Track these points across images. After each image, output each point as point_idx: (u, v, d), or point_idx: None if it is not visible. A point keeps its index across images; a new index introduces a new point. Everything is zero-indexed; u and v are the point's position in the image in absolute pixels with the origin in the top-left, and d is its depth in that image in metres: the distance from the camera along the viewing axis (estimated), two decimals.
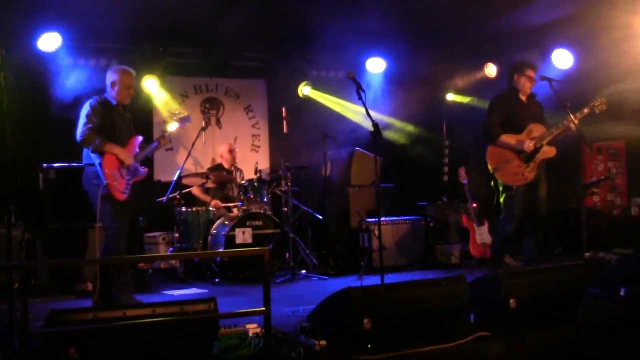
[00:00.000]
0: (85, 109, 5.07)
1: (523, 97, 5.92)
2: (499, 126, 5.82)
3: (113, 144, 5.04)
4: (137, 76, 7.06)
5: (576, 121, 5.46)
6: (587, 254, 6.04)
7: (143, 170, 5.34)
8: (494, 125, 5.83)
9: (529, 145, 5.62)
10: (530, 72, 5.86)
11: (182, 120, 5.91)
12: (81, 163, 5.16)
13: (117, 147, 5.05)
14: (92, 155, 4.99)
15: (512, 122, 5.80)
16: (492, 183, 6.05)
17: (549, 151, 5.71)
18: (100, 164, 4.96)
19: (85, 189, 5.09)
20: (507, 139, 5.75)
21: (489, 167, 5.89)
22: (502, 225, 5.90)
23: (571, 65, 7.62)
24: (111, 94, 5.20)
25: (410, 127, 8.77)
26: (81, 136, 4.97)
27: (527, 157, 5.67)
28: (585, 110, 5.57)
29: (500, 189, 5.89)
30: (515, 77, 5.90)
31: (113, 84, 5.19)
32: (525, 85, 5.87)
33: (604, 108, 5.55)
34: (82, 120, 5.03)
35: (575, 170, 5.52)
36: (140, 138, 5.34)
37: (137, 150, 5.26)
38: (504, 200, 5.84)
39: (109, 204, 4.95)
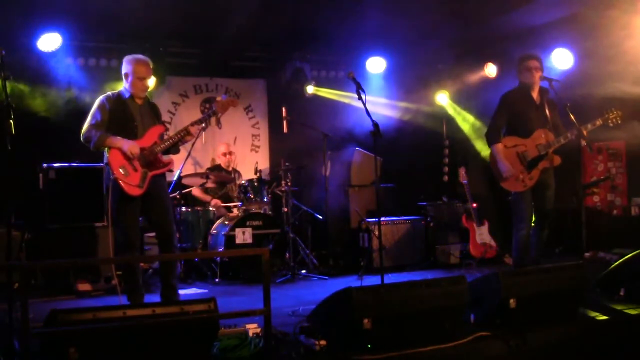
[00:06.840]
0: (92, 107, 4.79)
1: (534, 94, 5.54)
2: (501, 130, 5.57)
3: (116, 137, 4.65)
4: None
5: (586, 133, 5.19)
6: (587, 254, 5.99)
7: (166, 159, 4.90)
8: (496, 129, 5.56)
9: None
10: (530, 63, 5.48)
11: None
12: (81, 163, 5.12)
13: (121, 140, 4.65)
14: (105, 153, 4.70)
15: (520, 123, 5.50)
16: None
17: (554, 159, 5.49)
18: (107, 160, 4.66)
19: (105, 190, 4.81)
20: (505, 145, 5.47)
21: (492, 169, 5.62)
22: (514, 230, 5.59)
23: (571, 65, 7.62)
24: (125, 86, 4.84)
25: (410, 127, 8.77)
26: (82, 134, 4.71)
27: (530, 165, 5.44)
28: (598, 122, 5.31)
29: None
30: (519, 76, 5.58)
31: (126, 75, 4.80)
32: (531, 79, 5.48)
33: (619, 122, 5.30)
34: (87, 118, 4.76)
35: (575, 170, 5.44)
36: (160, 129, 4.91)
37: (157, 140, 4.82)
38: (511, 205, 5.62)
39: (118, 200, 4.65)
